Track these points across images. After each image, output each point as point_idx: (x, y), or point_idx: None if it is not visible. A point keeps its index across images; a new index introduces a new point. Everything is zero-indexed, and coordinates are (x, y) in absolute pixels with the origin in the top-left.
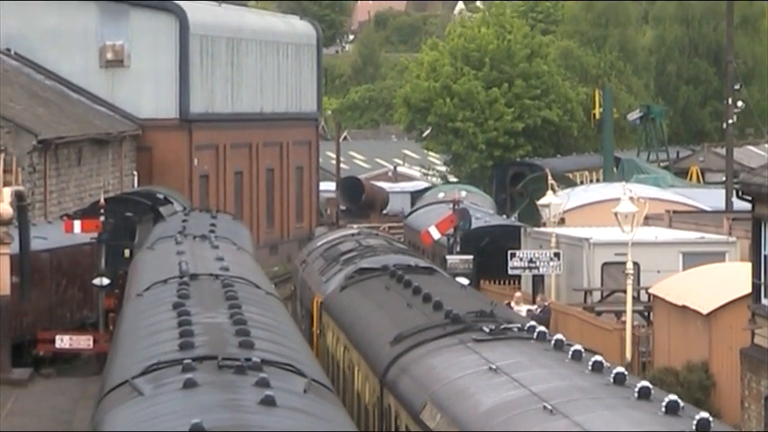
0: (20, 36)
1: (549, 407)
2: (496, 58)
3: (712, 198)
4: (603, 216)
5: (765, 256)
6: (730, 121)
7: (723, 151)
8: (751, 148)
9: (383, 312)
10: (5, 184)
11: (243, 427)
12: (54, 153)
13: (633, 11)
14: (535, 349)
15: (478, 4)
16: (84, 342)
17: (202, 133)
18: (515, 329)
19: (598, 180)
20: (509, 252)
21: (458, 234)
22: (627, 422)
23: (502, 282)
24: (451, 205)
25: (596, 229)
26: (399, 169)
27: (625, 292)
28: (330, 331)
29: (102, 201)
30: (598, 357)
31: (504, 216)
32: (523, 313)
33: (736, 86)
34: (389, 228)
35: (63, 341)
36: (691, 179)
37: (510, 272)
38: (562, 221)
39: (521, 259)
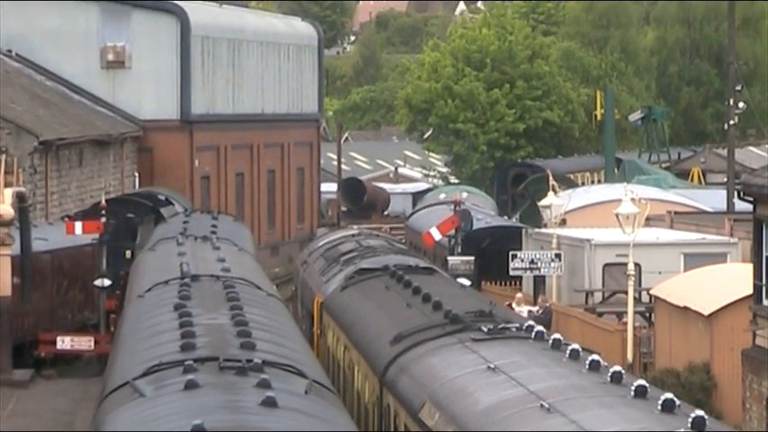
0: (21, 37)
1: (547, 405)
2: (498, 59)
3: (714, 199)
4: (605, 217)
5: (767, 257)
6: (731, 122)
7: (724, 152)
8: (752, 149)
9: (383, 312)
10: (6, 185)
11: (244, 429)
12: (55, 154)
13: (634, 12)
14: (533, 348)
15: (480, 5)
16: (85, 343)
17: (203, 134)
18: (514, 329)
19: (599, 181)
20: (510, 253)
21: (459, 235)
22: (623, 420)
23: (503, 283)
24: (453, 206)
25: (597, 230)
26: (400, 170)
27: (626, 293)
28: (330, 331)
29: (104, 202)
30: (595, 356)
31: (506, 217)
32: (524, 314)
33: (738, 87)
34: (391, 229)
35: (64, 342)
36: (692, 180)
37: (511, 273)
38: (563, 222)
39: (522, 260)
